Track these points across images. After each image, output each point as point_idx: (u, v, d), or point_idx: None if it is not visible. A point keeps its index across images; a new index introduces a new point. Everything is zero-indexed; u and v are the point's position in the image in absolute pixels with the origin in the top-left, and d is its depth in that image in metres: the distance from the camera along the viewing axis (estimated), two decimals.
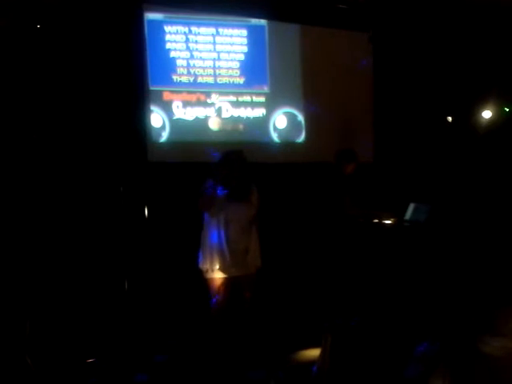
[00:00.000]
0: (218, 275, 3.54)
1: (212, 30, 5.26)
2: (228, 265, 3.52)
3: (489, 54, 5.64)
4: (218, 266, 3.52)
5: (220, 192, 3.51)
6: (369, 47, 5.83)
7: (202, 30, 5.23)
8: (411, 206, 4.72)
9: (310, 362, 3.42)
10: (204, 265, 3.57)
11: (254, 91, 5.45)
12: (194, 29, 5.20)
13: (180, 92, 5.18)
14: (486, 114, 5.72)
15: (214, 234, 3.53)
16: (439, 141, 5.90)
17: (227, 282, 3.55)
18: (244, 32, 5.38)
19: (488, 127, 5.76)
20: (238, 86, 5.38)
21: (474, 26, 5.57)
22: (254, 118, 5.44)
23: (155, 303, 4.46)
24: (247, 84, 5.41)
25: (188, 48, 5.19)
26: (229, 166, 3.55)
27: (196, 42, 5.21)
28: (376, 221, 4.63)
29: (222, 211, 3.51)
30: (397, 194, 5.32)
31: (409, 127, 5.89)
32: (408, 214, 4.70)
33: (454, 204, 5.17)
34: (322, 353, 2.97)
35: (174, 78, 5.15)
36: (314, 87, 5.64)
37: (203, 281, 3.62)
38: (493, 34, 5.55)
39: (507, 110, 5.73)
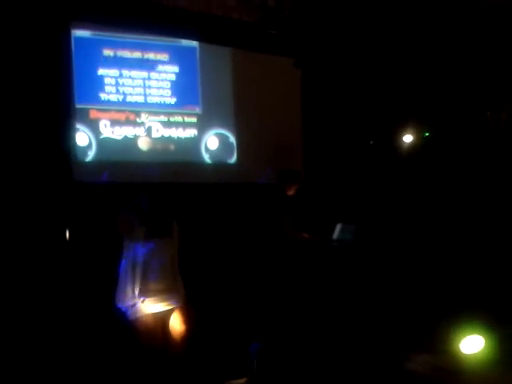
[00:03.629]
0: (142, 312, 3.30)
1: (141, 48, 5.19)
2: (150, 301, 3.32)
3: (411, 80, 5.97)
4: (142, 302, 3.30)
5: (138, 227, 3.35)
6: (297, 71, 6.01)
7: (132, 48, 5.15)
8: (338, 226, 4.85)
9: None
10: (123, 302, 3.33)
11: (186, 112, 5.42)
12: (122, 47, 5.11)
13: (108, 110, 5.05)
14: (407, 138, 6.02)
15: (132, 268, 3.33)
16: (365, 163, 6.13)
17: (154, 320, 3.32)
18: (174, 52, 5.35)
19: (409, 150, 6.06)
20: (169, 106, 5.33)
21: (395, 52, 5.90)
22: (185, 138, 5.40)
23: (78, 332, 4.23)
24: (178, 104, 5.38)
25: (117, 66, 5.09)
26: (147, 204, 3.43)
27: (125, 60, 5.12)
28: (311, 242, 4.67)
29: (140, 247, 3.33)
30: (325, 213, 5.46)
31: (336, 149, 6.09)
32: (335, 234, 4.83)
33: (378, 224, 5.37)
34: (249, 377, 2.95)
35: (102, 96, 5.02)
36: (245, 109, 5.70)
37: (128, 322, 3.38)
38: (413, 60, 5.90)
39: (427, 134, 6.07)
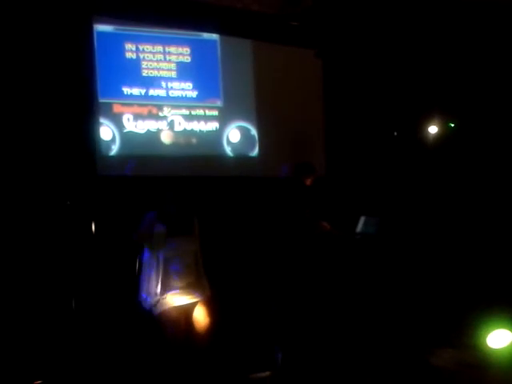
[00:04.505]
0: (166, 306, 3.32)
1: (163, 42, 5.20)
2: (176, 295, 3.35)
3: (435, 70, 5.86)
4: (166, 298, 3.32)
5: (159, 227, 3.36)
6: (318, 62, 5.95)
7: (153, 42, 5.17)
8: (362, 219, 4.81)
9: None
10: (150, 299, 3.36)
11: (207, 105, 5.43)
12: (144, 41, 5.13)
13: (131, 105, 5.09)
14: (432, 129, 5.92)
15: (155, 273, 3.34)
16: (388, 155, 6.06)
17: (177, 313, 3.34)
18: (196, 46, 5.36)
19: (434, 142, 5.96)
20: (191, 99, 5.34)
21: (419, 42, 5.79)
22: (207, 131, 5.41)
23: (104, 323, 4.30)
24: (200, 98, 5.38)
25: (139, 60, 5.12)
26: (169, 205, 3.43)
27: (147, 54, 5.14)
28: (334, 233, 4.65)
29: (162, 249, 3.34)
30: (348, 206, 5.41)
31: (359, 141, 6.02)
32: (359, 227, 4.79)
33: (402, 217, 5.31)
34: (273, 372, 2.95)
35: (125, 90, 5.05)
36: (266, 101, 5.68)
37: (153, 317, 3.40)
38: (437, 50, 5.78)
39: (452, 125, 5.95)
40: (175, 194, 3.48)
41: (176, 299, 3.36)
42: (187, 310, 3.42)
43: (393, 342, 3.49)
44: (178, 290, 3.36)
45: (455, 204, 5.48)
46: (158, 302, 3.33)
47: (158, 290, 3.32)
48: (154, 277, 3.35)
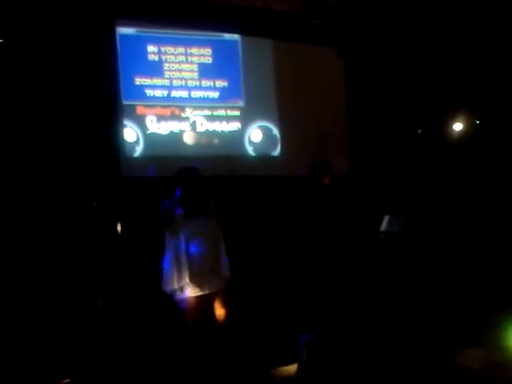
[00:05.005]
0: (188, 294, 3.42)
1: (184, 44, 5.25)
2: (196, 283, 3.42)
3: (459, 67, 5.77)
4: (186, 286, 3.41)
5: (178, 210, 3.41)
6: (340, 61, 5.91)
7: (175, 44, 5.22)
8: (386, 218, 4.76)
9: (289, 378, 3.41)
10: (170, 286, 3.45)
11: (229, 105, 5.45)
12: (166, 43, 5.18)
13: (154, 106, 5.14)
14: (457, 126, 5.83)
15: (176, 253, 3.42)
16: (412, 152, 5.99)
17: (198, 301, 3.44)
18: (217, 47, 5.38)
19: (459, 139, 5.87)
20: (213, 100, 5.37)
21: (444, 40, 5.71)
22: (229, 131, 5.43)
23: (129, 321, 4.37)
24: (222, 98, 5.41)
25: (161, 62, 5.17)
26: (183, 184, 3.48)
27: (169, 56, 5.19)
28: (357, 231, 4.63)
29: (182, 229, 3.41)
30: (372, 205, 5.37)
31: (382, 139, 5.97)
32: (383, 226, 4.74)
33: (427, 216, 5.24)
34: (299, 368, 2.95)
35: (148, 92, 5.11)
36: (288, 101, 5.67)
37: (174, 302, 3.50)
38: (461, 47, 5.69)
39: (477, 122, 5.85)
40: (186, 173, 3.53)
41: (196, 288, 3.42)
42: (206, 300, 3.48)
43: (419, 342, 3.45)
44: (197, 280, 3.41)
45: (481, 202, 5.38)
46: (178, 288, 3.41)
47: (180, 277, 3.40)
48: (174, 265, 3.42)
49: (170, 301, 3.52)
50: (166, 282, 3.47)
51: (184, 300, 3.43)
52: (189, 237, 3.42)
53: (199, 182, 3.53)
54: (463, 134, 5.81)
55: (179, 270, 3.41)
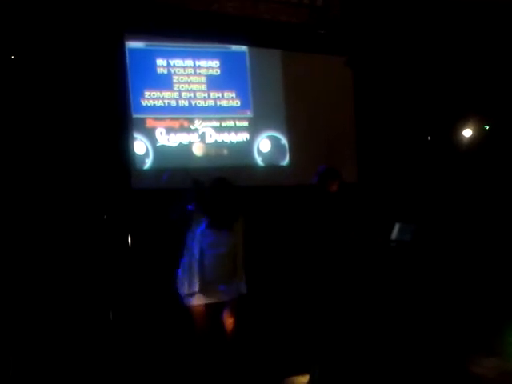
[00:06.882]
0: (197, 302, 3.46)
1: (193, 56, 5.30)
2: (205, 292, 3.44)
3: (468, 74, 5.75)
4: (197, 293, 3.44)
5: (202, 218, 3.46)
6: (348, 70, 5.93)
7: (184, 57, 5.27)
8: (397, 226, 4.73)
9: None
10: (181, 291, 3.51)
11: (238, 116, 5.48)
12: (174, 56, 5.23)
13: (163, 119, 5.18)
14: (467, 133, 5.80)
15: (191, 261, 3.46)
16: (422, 160, 5.96)
17: (206, 309, 3.47)
18: (225, 58, 5.42)
19: (469, 145, 5.83)
20: (221, 111, 5.40)
21: (453, 46, 5.70)
22: (237, 142, 5.46)
23: (141, 333, 4.37)
24: (230, 109, 5.44)
25: (170, 75, 5.22)
26: (215, 195, 3.51)
27: (178, 69, 5.24)
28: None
29: (201, 239, 3.46)
30: (382, 214, 5.34)
31: (392, 146, 5.95)
32: (394, 234, 4.71)
33: (438, 223, 5.19)
34: (310, 381, 2.92)
35: (157, 105, 5.15)
36: (296, 110, 5.69)
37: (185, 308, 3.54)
38: (471, 54, 5.68)
39: (487, 127, 5.82)
40: (221, 184, 3.56)
41: (203, 297, 3.44)
42: (215, 308, 3.50)
43: (433, 351, 3.41)
44: (207, 287, 3.43)
45: (493, 209, 5.33)
46: (187, 295, 3.44)
47: (192, 283, 3.42)
48: (188, 272, 3.45)
49: (181, 312, 3.54)
50: (178, 286, 3.54)
51: (191, 307, 3.48)
52: (206, 247, 3.45)
53: (231, 195, 3.54)
54: (473, 141, 5.78)
55: (190, 278, 3.44)
